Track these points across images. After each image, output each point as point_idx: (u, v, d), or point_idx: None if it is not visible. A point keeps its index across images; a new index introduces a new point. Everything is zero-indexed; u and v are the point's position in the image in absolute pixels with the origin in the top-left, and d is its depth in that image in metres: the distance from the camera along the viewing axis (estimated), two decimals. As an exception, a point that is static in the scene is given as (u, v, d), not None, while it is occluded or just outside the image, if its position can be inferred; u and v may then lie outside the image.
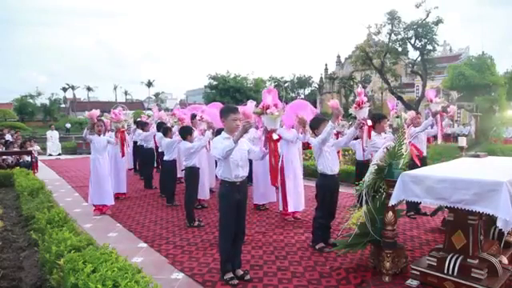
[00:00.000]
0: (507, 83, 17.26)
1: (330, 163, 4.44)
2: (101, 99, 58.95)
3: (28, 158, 11.83)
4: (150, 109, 25.86)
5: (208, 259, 4.21)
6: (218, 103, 7.84)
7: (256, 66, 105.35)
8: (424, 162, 5.75)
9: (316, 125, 4.59)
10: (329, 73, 42.89)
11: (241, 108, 3.68)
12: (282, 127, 5.56)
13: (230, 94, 34.36)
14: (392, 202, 3.39)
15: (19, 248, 4.40)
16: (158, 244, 4.77)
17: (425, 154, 6.03)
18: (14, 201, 6.90)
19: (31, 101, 44.98)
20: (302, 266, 4.00)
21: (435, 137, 6.55)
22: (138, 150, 9.84)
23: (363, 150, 5.00)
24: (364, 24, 33.81)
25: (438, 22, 22.47)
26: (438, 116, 5.83)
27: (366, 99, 4.64)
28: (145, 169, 9.35)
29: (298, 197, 5.76)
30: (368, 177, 3.77)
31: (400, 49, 24.86)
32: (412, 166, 4.02)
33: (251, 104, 3.58)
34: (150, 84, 66.30)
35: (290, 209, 5.69)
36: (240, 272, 3.68)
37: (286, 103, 5.35)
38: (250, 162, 3.89)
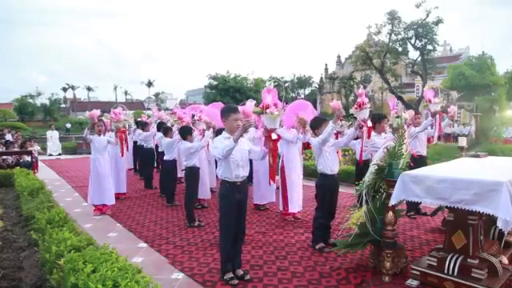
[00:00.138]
0: (507, 83, 17.26)
1: (330, 163, 4.44)
2: (101, 99, 58.93)
3: (28, 158, 11.83)
4: (149, 109, 25.86)
5: (208, 259, 4.21)
6: (218, 103, 7.84)
7: (256, 66, 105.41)
8: (424, 161, 5.76)
9: (317, 125, 4.60)
10: (329, 73, 42.90)
11: (240, 107, 3.67)
12: (282, 127, 5.56)
13: (230, 94, 34.35)
14: (392, 202, 3.39)
15: (19, 248, 4.40)
16: (158, 244, 4.77)
17: (425, 153, 6.03)
18: (14, 201, 6.90)
19: (31, 101, 44.97)
20: (302, 265, 4.00)
21: (429, 138, 6.54)
22: (138, 150, 9.84)
23: (361, 151, 5.00)
24: (364, 24, 33.84)
25: (438, 21, 22.49)
26: (438, 116, 5.83)
27: (367, 100, 4.64)
28: (145, 169, 9.35)
29: (299, 197, 5.77)
30: (368, 177, 3.77)
31: (400, 49, 24.88)
32: (412, 165, 4.01)
33: (251, 103, 3.57)
34: (150, 84, 66.29)
35: (292, 209, 5.69)
36: (240, 272, 3.68)
37: (287, 103, 5.35)
38: (251, 161, 3.89)
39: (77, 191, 8.51)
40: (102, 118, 6.93)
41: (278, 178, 5.66)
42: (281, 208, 5.89)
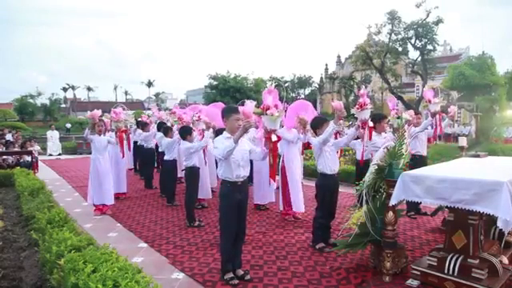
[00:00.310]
0: (507, 83, 17.25)
1: (330, 163, 4.45)
2: (101, 99, 58.94)
3: (28, 158, 11.84)
4: (149, 109, 25.87)
5: (208, 259, 4.21)
6: (219, 103, 7.84)
7: (256, 65, 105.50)
8: (424, 161, 5.77)
9: (317, 125, 4.60)
10: (329, 73, 42.90)
11: (240, 108, 3.68)
12: (283, 127, 5.57)
13: (230, 94, 34.33)
14: (392, 202, 3.39)
15: (20, 248, 4.41)
16: (158, 244, 4.77)
17: (425, 153, 6.03)
18: (15, 201, 6.90)
19: (31, 101, 44.95)
20: (302, 265, 4.00)
21: (429, 138, 6.54)
22: (138, 150, 9.84)
23: (363, 151, 5.00)
24: (364, 24, 33.86)
25: (438, 21, 22.49)
26: (438, 116, 5.83)
27: (368, 101, 4.65)
28: (145, 169, 9.36)
29: (300, 197, 5.74)
30: (368, 177, 3.77)
31: (400, 49, 24.87)
32: (412, 165, 4.02)
33: (251, 104, 3.57)
34: (150, 84, 66.31)
35: (296, 209, 5.68)
36: (240, 272, 3.68)
37: (287, 103, 5.35)
38: (251, 161, 3.89)
39: (77, 191, 8.51)
40: (103, 117, 6.93)
41: (278, 177, 5.66)
42: (281, 208, 5.89)
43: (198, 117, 6.40)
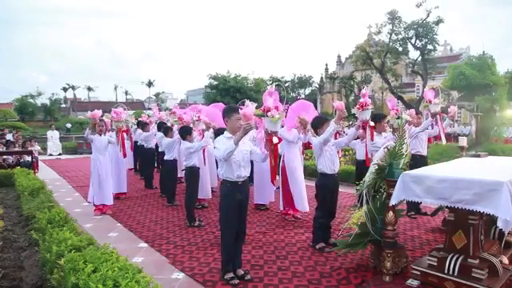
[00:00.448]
0: (508, 83, 17.22)
1: (331, 163, 4.45)
2: (101, 99, 58.91)
3: (28, 158, 11.85)
4: (150, 109, 25.86)
5: (208, 259, 4.21)
6: (220, 104, 7.84)
7: (256, 65, 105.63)
8: (424, 161, 5.77)
9: (318, 124, 4.60)
10: (329, 72, 42.83)
11: (241, 110, 3.67)
12: (283, 127, 5.56)
13: (230, 93, 34.29)
14: (392, 202, 3.39)
15: (20, 248, 4.41)
16: (158, 244, 4.77)
17: (425, 153, 6.03)
18: (15, 201, 6.90)
19: (31, 101, 44.95)
20: (302, 265, 4.01)
21: (435, 137, 6.54)
22: (138, 150, 9.84)
23: (366, 151, 5.01)
24: (364, 24, 33.91)
25: (439, 21, 22.44)
26: (438, 117, 5.83)
27: (370, 101, 4.66)
28: (145, 169, 9.36)
29: (303, 197, 5.73)
30: (368, 176, 3.77)
31: (400, 48, 24.83)
32: (412, 165, 4.02)
33: (252, 106, 3.57)
34: (150, 84, 66.31)
35: (300, 209, 5.68)
36: (241, 272, 3.68)
37: (289, 104, 5.35)
38: (252, 161, 3.89)
39: (77, 191, 8.51)
40: (103, 117, 6.93)
41: (278, 178, 5.65)
42: (281, 208, 5.89)
43: (198, 117, 6.40)
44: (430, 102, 5.67)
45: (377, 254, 3.72)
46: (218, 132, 5.45)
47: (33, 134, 24.94)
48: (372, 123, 4.86)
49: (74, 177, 10.73)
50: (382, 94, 31.59)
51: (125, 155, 7.18)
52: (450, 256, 3.26)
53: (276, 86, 4.18)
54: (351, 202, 6.74)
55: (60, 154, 18.59)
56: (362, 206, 3.79)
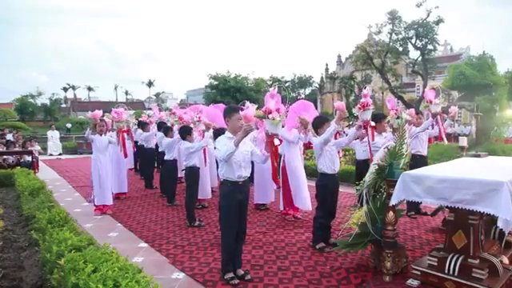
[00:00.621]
0: (508, 83, 17.20)
1: (331, 163, 4.45)
2: (101, 99, 58.88)
3: (29, 158, 11.85)
4: (150, 109, 25.86)
5: (208, 259, 4.21)
6: (221, 105, 7.83)
7: (256, 65, 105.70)
8: (425, 161, 5.76)
9: (319, 124, 4.60)
10: (329, 72, 42.82)
11: (242, 112, 3.67)
12: (283, 127, 5.56)
13: (230, 93, 34.27)
14: (392, 202, 3.39)
15: (20, 248, 4.41)
16: (158, 244, 4.77)
17: (425, 153, 6.03)
18: (15, 200, 6.90)
19: (32, 101, 44.96)
20: (302, 265, 4.00)
21: (436, 137, 6.54)
22: (138, 150, 9.85)
23: (370, 151, 5.01)
24: (365, 24, 33.86)
25: (439, 21, 22.42)
26: (438, 117, 5.83)
27: (371, 101, 4.65)
28: (145, 169, 9.36)
29: (305, 196, 5.73)
30: (368, 176, 3.77)
31: (401, 48, 24.81)
32: (412, 165, 4.01)
33: (252, 107, 3.57)
34: (150, 84, 66.35)
35: (302, 207, 5.67)
36: (241, 272, 3.68)
37: (289, 104, 5.35)
38: (252, 162, 3.89)
39: (77, 191, 8.51)
40: (104, 117, 6.93)
41: (278, 178, 5.64)
42: (281, 208, 5.89)
43: (199, 117, 6.40)
44: (431, 102, 5.67)
45: (377, 253, 3.72)
46: (218, 132, 5.45)
47: (33, 133, 24.95)
48: (373, 123, 4.86)
49: (74, 177, 10.74)
50: (382, 93, 31.55)
51: (125, 155, 7.18)
52: (451, 256, 3.26)
53: (276, 85, 4.17)
54: (351, 201, 6.74)
55: (60, 154, 18.59)
56: (362, 205, 3.79)
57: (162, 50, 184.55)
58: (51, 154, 18.31)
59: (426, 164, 5.31)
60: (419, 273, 3.42)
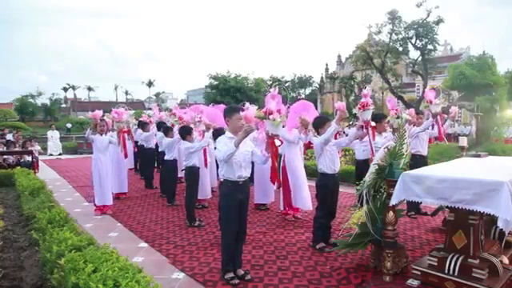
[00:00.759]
0: (508, 83, 17.21)
1: (331, 162, 4.45)
2: (101, 99, 58.86)
3: (29, 158, 11.85)
4: (150, 109, 25.87)
5: (209, 259, 4.21)
6: (221, 105, 7.83)
7: (256, 65, 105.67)
8: (425, 161, 5.76)
9: (319, 124, 4.60)
10: (329, 72, 42.83)
11: (242, 113, 3.67)
12: (284, 127, 5.56)
13: (230, 93, 34.28)
14: (393, 202, 3.39)
15: (20, 248, 4.41)
16: (158, 244, 4.77)
17: (425, 153, 6.03)
18: (15, 200, 6.90)
19: (32, 101, 44.94)
20: (302, 265, 4.00)
21: (436, 137, 6.54)
22: (138, 150, 9.85)
23: (372, 150, 5.01)
24: (365, 24, 33.87)
25: (439, 21, 22.43)
26: (438, 117, 5.83)
27: (371, 101, 4.66)
28: (145, 169, 9.37)
29: (305, 196, 5.73)
30: (368, 176, 3.77)
31: (401, 48, 24.82)
32: (412, 165, 4.02)
33: (253, 108, 3.58)
34: (150, 84, 66.33)
35: (302, 207, 5.67)
36: (241, 272, 3.68)
37: (289, 104, 5.35)
38: (252, 162, 3.89)
39: (77, 191, 8.51)
40: (104, 117, 6.93)
41: (278, 178, 5.64)
42: (281, 208, 5.89)
43: (200, 118, 6.39)
44: (431, 102, 5.67)
45: (377, 253, 3.72)
46: (217, 132, 5.45)
47: (33, 133, 24.94)
48: (373, 123, 4.86)
49: (74, 177, 10.74)
50: (383, 93, 31.55)
51: (126, 156, 7.18)
52: (451, 256, 3.26)
53: (276, 86, 4.18)
54: (351, 201, 6.74)
55: (60, 154, 18.59)
56: (362, 205, 3.79)
57: (162, 49, 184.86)
58: (51, 154, 18.32)
59: (426, 164, 5.31)
60: (419, 273, 3.42)
